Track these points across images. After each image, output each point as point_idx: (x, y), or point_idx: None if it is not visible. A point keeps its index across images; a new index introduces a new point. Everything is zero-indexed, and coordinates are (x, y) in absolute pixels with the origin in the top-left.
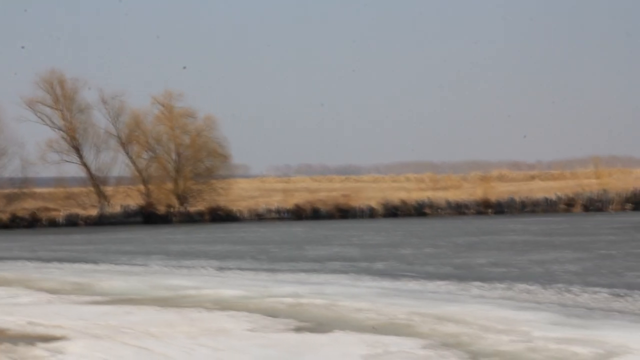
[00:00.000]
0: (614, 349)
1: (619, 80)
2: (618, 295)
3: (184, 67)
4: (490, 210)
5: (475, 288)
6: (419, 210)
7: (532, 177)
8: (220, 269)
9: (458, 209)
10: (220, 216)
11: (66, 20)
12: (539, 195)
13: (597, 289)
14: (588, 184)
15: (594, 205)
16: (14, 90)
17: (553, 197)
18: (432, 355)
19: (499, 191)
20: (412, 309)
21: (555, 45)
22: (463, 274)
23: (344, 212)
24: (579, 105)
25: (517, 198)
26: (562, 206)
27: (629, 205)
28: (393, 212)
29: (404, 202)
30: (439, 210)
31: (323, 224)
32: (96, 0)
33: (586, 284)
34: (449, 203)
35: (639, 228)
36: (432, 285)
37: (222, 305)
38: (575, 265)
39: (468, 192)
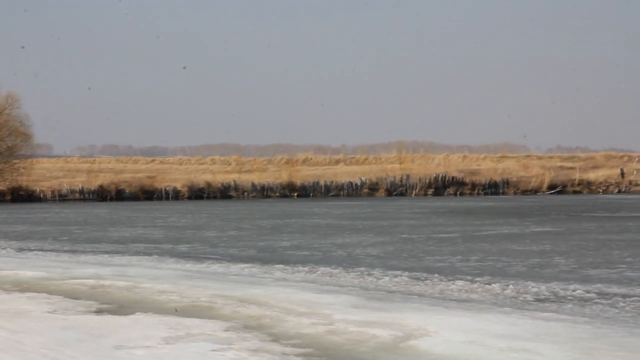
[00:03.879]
0: (413, 332)
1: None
2: (418, 279)
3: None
4: (295, 194)
5: (278, 271)
6: (225, 193)
7: (337, 162)
8: (21, 249)
9: (263, 192)
10: (22, 196)
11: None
12: (344, 179)
13: (397, 272)
14: (391, 169)
15: (397, 190)
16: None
17: (357, 181)
18: (234, 338)
19: (304, 175)
20: (215, 292)
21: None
22: (266, 257)
23: (149, 194)
24: (397, 91)
25: (321, 182)
26: (365, 190)
27: (430, 191)
28: (198, 194)
29: (209, 185)
30: (245, 193)
31: (127, 205)
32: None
33: (387, 267)
34: (254, 186)
35: (439, 213)
36: (235, 267)
37: (22, 287)
38: (377, 249)
39: (273, 176)
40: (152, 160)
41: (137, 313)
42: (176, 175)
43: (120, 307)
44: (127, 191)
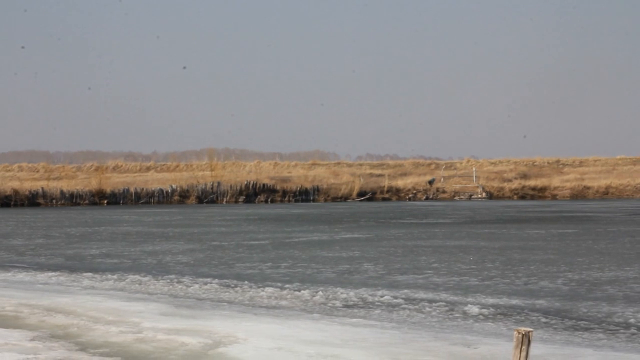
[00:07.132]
0: (222, 339)
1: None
2: (227, 286)
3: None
4: (104, 201)
5: (86, 279)
6: (33, 200)
7: (148, 169)
8: None
9: (72, 200)
10: None
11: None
12: (154, 186)
13: (207, 279)
14: (202, 176)
15: (208, 197)
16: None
17: (168, 188)
18: (40, 347)
19: (114, 182)
20: (21, 301)
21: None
22: (75, 265)
23: None
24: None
25: (132, 189)
26: (176, 198)
27: (241, 198)
28: (5, 201)
29: (16, 192)
30: (53, 201)
31: None
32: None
33: (197, 275)
34: (63, 193)
35: (250, 220)
36: (42, 276)
37: None
38: (187, 256)
39: (83, 183)
40: None
41: None
42: None
43: None
44: None
